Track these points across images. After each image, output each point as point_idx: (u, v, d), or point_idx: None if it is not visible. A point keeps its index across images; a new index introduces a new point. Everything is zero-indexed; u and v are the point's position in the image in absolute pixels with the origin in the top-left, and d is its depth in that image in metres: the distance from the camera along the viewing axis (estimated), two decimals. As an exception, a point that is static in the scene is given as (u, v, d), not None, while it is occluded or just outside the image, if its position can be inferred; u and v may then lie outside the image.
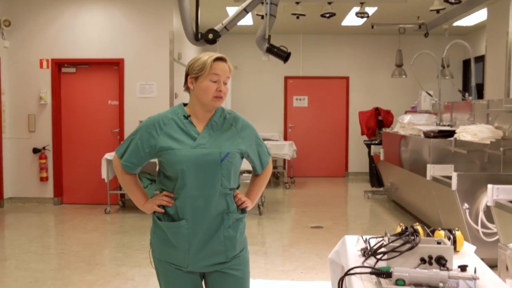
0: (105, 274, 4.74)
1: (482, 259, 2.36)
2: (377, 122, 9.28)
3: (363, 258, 2.24)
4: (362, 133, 9.50)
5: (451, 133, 5.88)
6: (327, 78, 11.22)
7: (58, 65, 7.87)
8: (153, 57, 7.78)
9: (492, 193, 3.89)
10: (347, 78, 11.23)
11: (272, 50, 6.97)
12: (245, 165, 2.74)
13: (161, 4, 7.79)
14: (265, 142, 2.50)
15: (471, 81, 6.30)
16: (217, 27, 7.00)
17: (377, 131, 9.20)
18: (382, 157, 7.89)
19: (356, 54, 11.17)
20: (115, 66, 7.87)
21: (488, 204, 3.98)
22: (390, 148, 7.52)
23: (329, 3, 7.76)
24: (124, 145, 2.37)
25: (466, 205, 4.76)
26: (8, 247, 5.76)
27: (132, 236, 6.16)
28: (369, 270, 2.05)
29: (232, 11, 7.85)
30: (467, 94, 6.48)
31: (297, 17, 8.31)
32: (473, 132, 5.38)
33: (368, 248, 2.31)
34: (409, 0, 7.65)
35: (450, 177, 4.93)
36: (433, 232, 2.45)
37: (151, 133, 2.29)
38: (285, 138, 11.13)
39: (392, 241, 2.15)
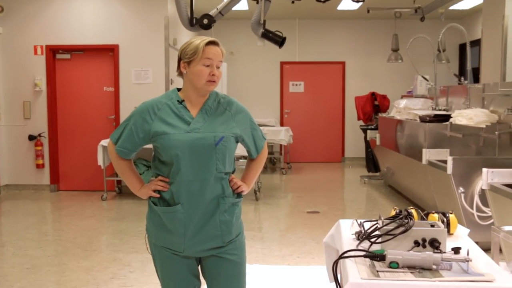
0: (102, 260, 4.76)
1: (477, 243, 2.37)
2: (373, 107, 9.28)
3: (357, 242, 2.25)
4: (358, 118, 9.50)
5: (446, 118, 5.90)
6: (323, 63, 11.19)
7: (52, 52, 7.83)
8: (148, 43, 7.74)
9: (487, 177, 3.91)
10: (343, 63, 11.20)
11: (268, 35, 6.93)
12: (242, 150, 2.74)
13: (155, -11, 7.74)
14: (261, 127, 2.51)
15: (467, 65, 6.29)
16: (212, 12, 6.95)
17: (373, 116, 9.21)
18: (378, 142, 7.90)
19: (352, 39, 11.14)
20: (110, 52, 7.83)
21: (483, 187, 4.00)
22: (386, 133, 7.53)
23: (325, -13, 7.70)
24: (118, 131, 2.36)
25: (461, 189, 4.78)
26: (5, 234, 5.77)
27: (128, 222, 6.17)
28: (363, 253, 2.06)
29: (227, -4, 7.79)
30: (462, 78, 6.47)
31: (292, 2, 8.22)
32: (468, 116, 5.40)
33: (362, 231, 2.32)
34: (405, -16, 7.60)
35: (445, 161, 4.94)
36: (427, 215, 2.47)
37: (145, 118, 2.28)
38: (282, 124, 11.13)
39: (386, 225, 2.16)
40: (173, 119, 2.27)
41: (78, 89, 7.91)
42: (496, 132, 5.28)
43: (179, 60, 2.30)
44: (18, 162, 7.91)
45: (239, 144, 2.41)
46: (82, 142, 7.91)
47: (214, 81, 2.26)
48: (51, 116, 7.85)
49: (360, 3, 8.40)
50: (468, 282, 1.85)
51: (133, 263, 4.66)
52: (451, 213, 2.48)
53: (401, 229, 2.09)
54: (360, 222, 2.48)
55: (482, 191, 4.28)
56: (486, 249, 2.43)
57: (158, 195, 2.31)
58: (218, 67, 2.27)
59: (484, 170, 3.93)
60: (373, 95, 9.32)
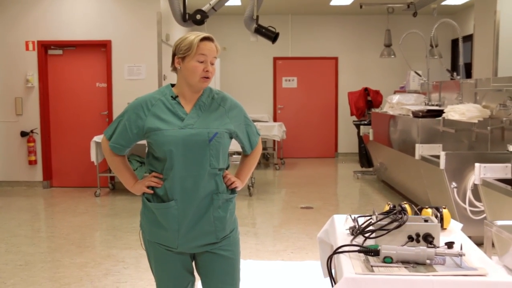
0: (95, 256, 4.75)
1: (470, 237, 2.39)
2: (366, 103, 9.30)
3: (352, 237, 2.26)
4: (352, 114, 9.52)
5: (439, 113, 5.92)
6: (316, 59, 11.19)
7: (44, 47, 7.78)
8: (141, 39, 7.71)
9: (480, 172, 3.93)
10: (336, 59, 11.21)
11: (260, 31, 6.93)
12: (236, 146, 2.73)
13: (148, -16, 7.70)
14: (255, 123, 2.50)
15: (459, 60, 6.31)
16: (205, 8, 6.94)
17: (366, 111, 9.23)
18: (371, 137, 7.92)
19: (345, 35, 11.14)
20: (103, 48, 7.79)
21: (476, 182, 4.03)
22: (379, 128, 7.55)
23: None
24: (112, 127, 2.35)
25: (454, 184, 4.80)
26: (-3, 231, 5.75)
27: (122, 218, 6.16)
28: (357, 248, 2.07)
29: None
30: (455, 73, 6.50)
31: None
32: (461, 111, 5.42)
33: (357, 226, 2.33)
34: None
35: (438, 157, 4.96)
36: (420, 210, 2.48)
37: (139, 114, 2.27)
38: (275, 119, 11.12)
39: (380, 220, 2.17)
40: (167, 115, 2.26)
41: (70, 85, 7.87)
42: (489, 127, 5.31)
43: (173, 55, 2.29)
44: (10, 159, 7.86)
45: (234, 140, 2.41)
46: (75, 138, 7.87)
47: (208, 78, 2.25)
48: (43, 112, 7.81)
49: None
50: (462, 276, 1.86)
51: (127, 259, 4.65)
52: (444, 208, 2.49)
53: (395, 224, 2.10)
54: (354, 217, 2.48)
55: (475, 186, 4.30)
56: (479, 244, 2.44)
57: (151, 191, 2.30)
58: (212, 63, 2.26)
59: (477, 165, 3.96)
60: (366, 90, 9.33)
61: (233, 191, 2.40)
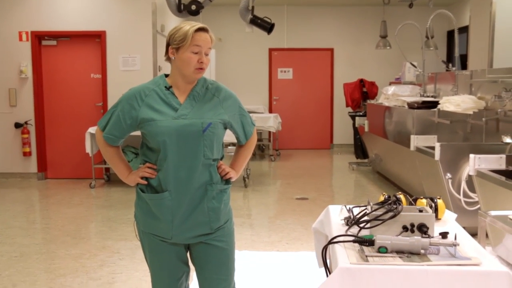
0: (91, 247, 4.75)
1: (464, 228, 2.40)
2: (362, 94, 9.30)
3: (347, 227, 2.26)
4: (347, 105, 9.51)
5: (434, 104, 5.92)
6: (311, 50, 11.17)
7: (38, 38, 7.72)
8: (136, 29, 7.66)
9: (474, 163, 3.94)
10: (331, 50, 11.19)
11: (256, 21, 6.90)
12: (230, 137, 2.72)
13: (142, -26, 7.64)
14: (250, 114, 2.49)
15: (454, 51, 6.31)
16: (200, -2, 6.90)
17: (362, 102, 9.23)
18: (366, 129, 7.93)
19: (341, 26, 11.11)
20: (97, 38, 7.74)
21: (470, 173, 4.04)
22: (375, 120, 7.55)
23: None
24: (105, 118, 2.34)
25: (448, 175, 4.82)
26: (-8, 223, 5.73)
27: (117, 210, 6.16)
28: (352, 238, 2.07)
29: (215, -19, 7.73)
30: (450, 65, 6.50)
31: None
32: (456, 102, 5.43)
33: (351, 217, 2.33)
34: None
35: (433, 148, 4.97)
36: (415, 200, 2.48)
37: (133, 104, 2.26)
38: (270, 111, 11.12)
39: (375, 210, 2.17)
40: (161, 105, 2.25)
41: (65, 76, 7.83)
42: (483, 119, 5.32)
43: (168, 45, 2.27)
44: (4, 150, 7.83)
45: (228, 131, 2.40)
46: (69, 129, 7.84)
47: (202, 69, 2.24)
48: (37, 103, 7.77)
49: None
50: (456, 266, 1.87)
51: (122, 250, 4.65)
52: (439, 199, 2.49)
53: (390, 214, 2.10)
54: (349, 207, 2.49)
55: (469, 177, 4.31)
56: (473, 234, 2.45)
57: (145, 182, 2.30)
58: (207, 54, 2.24)
59: (471, 156, 3.97)
60: (361, 81, 9.33)
61: (227, 181, 2.39)
